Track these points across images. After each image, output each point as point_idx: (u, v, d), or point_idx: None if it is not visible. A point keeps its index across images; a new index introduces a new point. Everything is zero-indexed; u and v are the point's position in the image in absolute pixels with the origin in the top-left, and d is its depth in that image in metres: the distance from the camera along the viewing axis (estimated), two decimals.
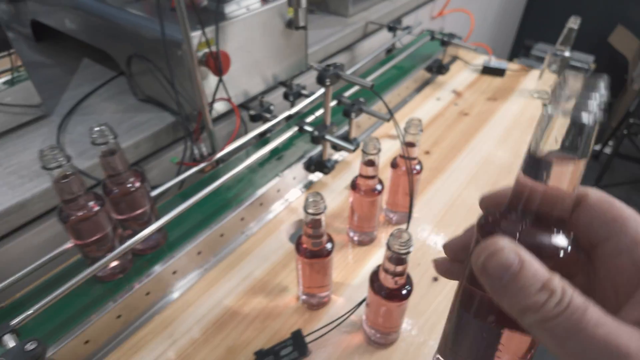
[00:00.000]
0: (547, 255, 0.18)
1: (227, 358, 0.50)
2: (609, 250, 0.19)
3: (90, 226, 0.45)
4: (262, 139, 0.76)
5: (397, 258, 0.40)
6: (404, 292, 0.43)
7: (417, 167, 0.60)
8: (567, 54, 0.93)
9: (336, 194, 0.74)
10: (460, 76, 1.10)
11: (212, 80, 0.67)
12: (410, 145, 0.57)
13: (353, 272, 0.60)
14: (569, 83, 0.18)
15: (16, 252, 0.58)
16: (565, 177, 0.18)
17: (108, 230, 0.47)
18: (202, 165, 0.62)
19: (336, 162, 0.80)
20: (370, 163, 0.55)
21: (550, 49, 0.95)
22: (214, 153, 0.68)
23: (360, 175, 0.57)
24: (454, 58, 1.17)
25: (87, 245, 0.46)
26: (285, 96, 0.82)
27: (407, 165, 0.58)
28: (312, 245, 0.48)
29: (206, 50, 0.63)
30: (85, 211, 0.44)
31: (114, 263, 0.50)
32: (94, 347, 0.50)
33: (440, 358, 0.27)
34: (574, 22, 0.89)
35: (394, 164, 0.61)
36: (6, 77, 0.66)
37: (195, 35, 0.61)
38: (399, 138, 0.56)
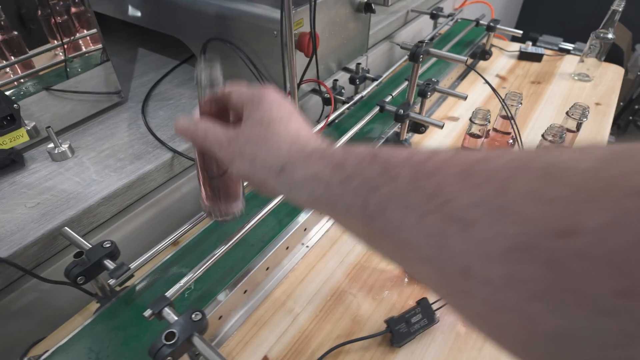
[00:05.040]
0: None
1: (354, 327, 0.51)
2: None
3: None
4: (332, 124, 0.77)
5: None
6: None
7: (510, 141, 0.62)
8: (610, 35, 0.96)
9: None
10: (499, 62, 1.13)
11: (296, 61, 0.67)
12: (508, 118, 0.59)
13: None
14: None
15: (128, 230, 0.58)
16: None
17: None
18: None
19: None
20: (476, 135, 0.56)
21: (553, 40, 0.98)
22: None
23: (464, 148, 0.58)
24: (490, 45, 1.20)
25: None
26: (352, 80, 0.82)
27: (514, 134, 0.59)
28: None
29: (298, 31, 0.63)
30: None
31: None
32: (223, 322, 0.50)
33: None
34: (618, 5, 0.93)
35: (487, 135, 0.63)
36: (79, 64, 0.64)
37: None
38: (503, 109, 0.57)
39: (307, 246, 0.61)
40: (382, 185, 0.21)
